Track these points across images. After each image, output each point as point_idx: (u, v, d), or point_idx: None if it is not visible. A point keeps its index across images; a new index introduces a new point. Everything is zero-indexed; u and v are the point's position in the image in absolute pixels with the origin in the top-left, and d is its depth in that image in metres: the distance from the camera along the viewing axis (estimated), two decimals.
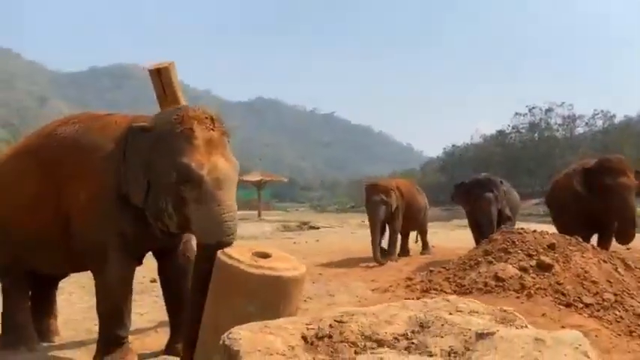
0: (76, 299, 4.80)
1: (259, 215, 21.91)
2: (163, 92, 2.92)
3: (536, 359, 1.05)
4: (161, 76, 2.89)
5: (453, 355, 1.14)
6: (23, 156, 3.17)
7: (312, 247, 9.41)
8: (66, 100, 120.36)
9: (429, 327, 1.26)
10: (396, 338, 1.21)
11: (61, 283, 5.28)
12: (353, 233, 13.26)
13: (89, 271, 3.27)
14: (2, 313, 3.28)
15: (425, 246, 8.95)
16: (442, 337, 1.21)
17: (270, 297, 2.14)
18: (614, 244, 5.98)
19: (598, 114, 42.33)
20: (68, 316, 3.99)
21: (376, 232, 7.49)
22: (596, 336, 2.91)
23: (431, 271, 5.18)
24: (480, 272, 4.39)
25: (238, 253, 2.27)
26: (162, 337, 3.30)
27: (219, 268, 2.27)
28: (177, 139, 2.57)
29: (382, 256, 7.60)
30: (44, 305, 3.56)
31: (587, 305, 3.76)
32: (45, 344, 3.34)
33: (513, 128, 45.11)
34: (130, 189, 2.70)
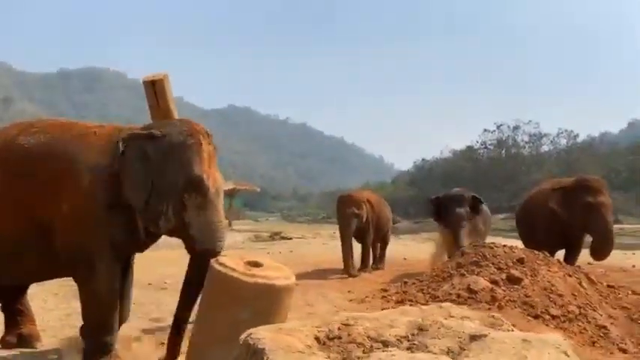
0: (51, 306, 4.76)
1: (230, 225, 21.75)
2: (157, 103, 3.02)
3: (525, 357, 1.21)
4: (155, 88, 2.98)
5: (451, 353, 1.29)
6: None
7: (287, 258, 9.44)
8: (33, 102, 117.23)
9: (428, 330, 1.41)
10: (399, 339, 1.35)
11: (32, 291, 5.22)
12: (325, 244, 13.34)
13: (58, 279, 3.28)
14: None
15: (381, 260, 8.73)
16: (440, 338, 1.36)
17: (264, 304, 2.24)
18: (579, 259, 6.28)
19: (562, 133, 43.85)
20: (46, 323, 3.97)
21: (348, 244, 7.56)
22: None
23: (405, 282, 5.33)
24: (452, 284, 4.55)
25: (232, 262, 2.36)
26: (146, 344, 3.34)
27: (213, 276, 2.36)
28: (189, 150, 2.75)
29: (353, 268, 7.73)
30: (20, 312, 3.51)
31: (553, 317, 3.96)
32: (28, 350, 3.33)
33: (482, 144, 46.26)
34: (131, 193, 2.75)
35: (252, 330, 1.35)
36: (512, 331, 1.46)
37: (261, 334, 1.29)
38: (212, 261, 2.43)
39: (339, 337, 1.36)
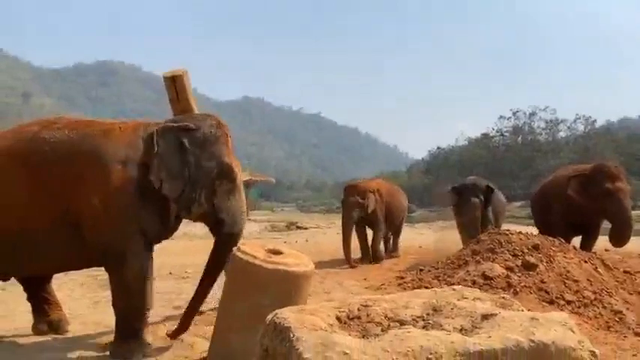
0: (78, 295, 4.92)
1: (247, 215, 21.86)
2: (176, 97, 3.14)
3: (532, 333, 1.31)
4: (175, 83, 3.09)
5: (464, 331, 1.38)
6: (4, 161, 3.02)
7: (303, 247, 9.54)
8: (50, 96, 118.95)
9: (442, 310, 1.51)
10: (414, 319, 1.45)
11: (60, 281, 5.37)
12: (340, 234, 13.40)
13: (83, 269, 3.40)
14: None
15: (395, 248, 8.64)
16: (453, 318, 1.46)
17: (284, 290, 2.34)
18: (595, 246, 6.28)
19: (579, 118, 43.23)
20: (75, 310, 4.11)
21: (348, 233, 7.48)
22: None
23: (421, 270, 5.39)
24: (468, 271, 4.60)
25: (253, 250, 2.46)
26: (164, 330, 3.47)
27: (235, 263, 2.47)
28: (218, 142, 3.03)
29: (367, 257, 7.79)
30: (45, 300, 3.61)
31: (568, 302, 4.00)
32: (59, 336, 3.48)
33: (497, 131, 45.81)
34: (168, 183, 2.91)
35: (277, 311, 1.45)
36: (522, 311, 1.54)
37: (286, 314, 1.39)
38: (234, 249, 2.54)
39: (359, 317, 1.46)
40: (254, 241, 2.96)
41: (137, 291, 2.97)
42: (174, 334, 3.25)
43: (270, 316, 1.43)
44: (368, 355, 1.18)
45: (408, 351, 1.19)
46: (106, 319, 3.27)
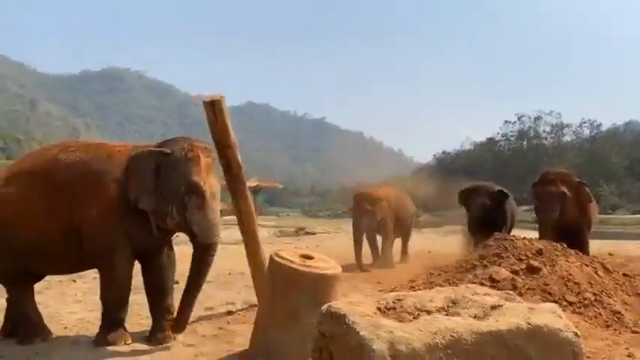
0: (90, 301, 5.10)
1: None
2: (215, 119, 3.54)
3: (529, 318, 1.71)
4: (214, 107, 3.50)
5: (477, 318, 1.76)
6: (30, 178, 3.59)
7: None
8: (56, 103, 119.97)
9: (459, 303, 1.93)
10: (438, 309, 1.87)
11: (67, 289, 5.63)
12: (350, 239, 13.69)
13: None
14: (13, 311, 3.81)
15: (404, 252, 8.93)
16: (468, 308, 1.87)
17: (318, 291, 2.69)
18: (596, 251, 6.60)
19: (585, 122, 43.50)
20: (86, 316, 4.40)
21: (359, 240, 7.84)
22: (576, 326, 3.46)
23: (431, 273, 5.69)
24: (476, 274, 4.90)
25: (289, 255, 2.83)
26: (207, 329, 3.82)
27: (274, 267, 2.82)
28: (189, 163, 3.44)
29: (377, 262, 8.07)
30: None
31: (570, 303, 4.30)
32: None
33: (503, 136, 46.15)
34: (142, 198, 3.41)
35: (330, 303, 1.83)
36: (523, 303, 1.92)
37: (340, 305, 1.79)
38: (272, 254, 2.92)
39: (394, 308, 1.87)
40: (288, 247, 3.32)
41: (125, 286, 3.52)
42: (174, 331, 3.60)
43: (324, 307, 1.80)
44: (407, 332, 1.56)
45: (437, 330, 1.59)
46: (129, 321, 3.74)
